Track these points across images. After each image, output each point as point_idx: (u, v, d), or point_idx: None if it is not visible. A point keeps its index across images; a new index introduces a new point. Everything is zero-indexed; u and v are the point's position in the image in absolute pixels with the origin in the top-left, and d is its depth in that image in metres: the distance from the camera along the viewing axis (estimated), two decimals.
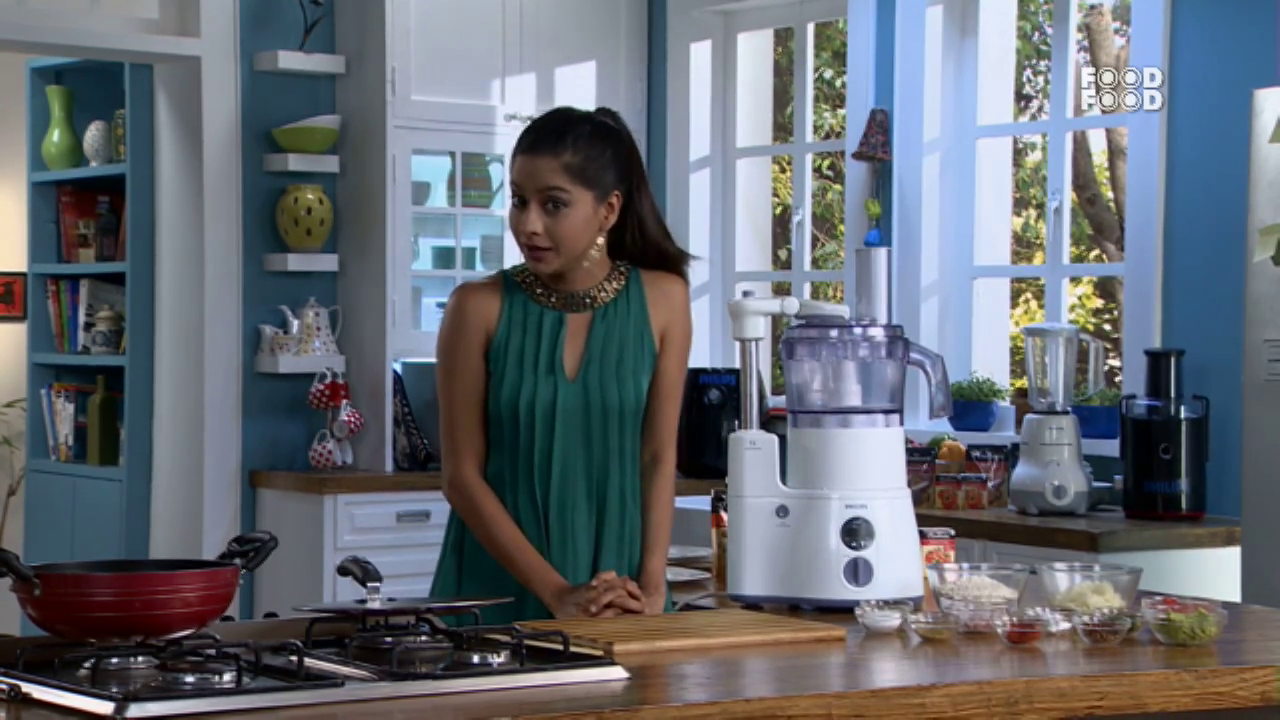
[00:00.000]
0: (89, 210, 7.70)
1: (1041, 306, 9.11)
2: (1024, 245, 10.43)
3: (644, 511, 3.61)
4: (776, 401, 6.46)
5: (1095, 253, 10.45)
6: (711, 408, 6.80)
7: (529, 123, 3.59)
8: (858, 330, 3.54)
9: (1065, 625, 3.14)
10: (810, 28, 7.17)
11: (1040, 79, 10.54)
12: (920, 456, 5.83)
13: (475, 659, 2.75)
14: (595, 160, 3.49)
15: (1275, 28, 5.50)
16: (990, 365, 6.56)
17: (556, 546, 3.54)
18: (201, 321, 6.78)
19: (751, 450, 3.51)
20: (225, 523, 6.75)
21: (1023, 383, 6.24)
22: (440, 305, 6.54)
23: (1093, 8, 9.31)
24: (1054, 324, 5.99)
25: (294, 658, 2.63)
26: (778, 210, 8.98)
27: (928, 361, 3.62)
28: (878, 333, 3.55)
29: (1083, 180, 10.11)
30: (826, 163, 10.36)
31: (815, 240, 10.16)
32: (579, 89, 7.06)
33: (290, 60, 6.80)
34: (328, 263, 6.89)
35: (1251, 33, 5.59)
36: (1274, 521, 4.90)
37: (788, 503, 3.48)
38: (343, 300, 6.93)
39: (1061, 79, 6.46)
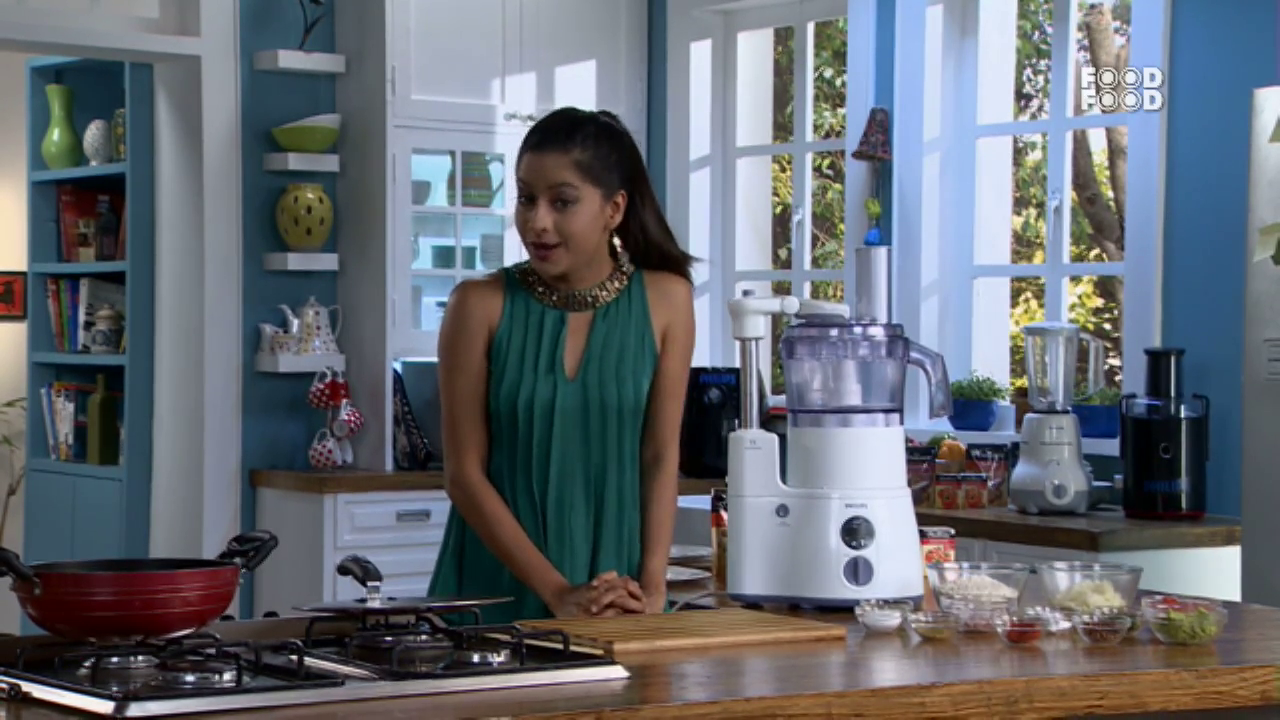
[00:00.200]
0: (89, 209, 7.69)
1: (1041, 306, 9.11)
2: (1024, 244, 10.43)
3: (645, 510, 3.61)
4: (776, 401, 6.46)
5: (1095, 252, 10.45)
6: (711, 407, 6.80)
7: (532, 123, 3.60)
8: (858, 329, 3.54)
9: (1065, 624, 3.14)
10: (810, 27, 7.16)
11: (1040, 78, 10.53)
12: (920, 456, 5.83)
13: (475, 658, 2.75)
14: (603, 158, 3.50)
15: (1275, 28, 5.50)
16: (990, 364, 6.56)
17: (553, 545, 3.54)
18: (201, 321, 6.78)
19: (751, 450, 3.51)
20: (225, 522, 6.75)
21: (1023, 382, 6.23)
22: (440, 304, 6.56)
23: (1093, 7, 9.30)
24: (1054, 323, 5.98)
25: (294, 657, 2.63)
26: (778, 209, 8.97)
27: (928, 361, 3.62)
28: (878, 332, 3.55)
29: (1083, 180, 10.11)
30: (826, 162, 10.36)
31: (815, 239, 10.15)
32: (579, 88, 7.06)
33: (290, 59, 6.79)
34: (328, 262, 6.89)
35: (1251, 33, 5.59)
36: (1274, 521, 4.90)
37: (788, 502, 3.48)
38: (343, 299, 6.93)
39: (1061, 78, 6.45)
